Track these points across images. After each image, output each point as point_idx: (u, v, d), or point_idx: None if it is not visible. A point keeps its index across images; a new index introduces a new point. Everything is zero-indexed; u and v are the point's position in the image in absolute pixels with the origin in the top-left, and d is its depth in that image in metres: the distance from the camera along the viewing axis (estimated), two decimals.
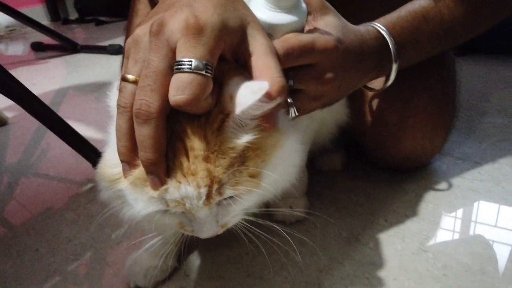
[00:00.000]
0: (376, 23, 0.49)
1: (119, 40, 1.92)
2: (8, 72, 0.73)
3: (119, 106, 0.35)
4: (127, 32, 0.73)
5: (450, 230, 0.60)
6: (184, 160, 0.34)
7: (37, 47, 2.01)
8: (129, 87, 0.34)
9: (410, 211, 0.64)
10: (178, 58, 0.32)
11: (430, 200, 0.66)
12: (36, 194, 0.80)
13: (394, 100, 0.65)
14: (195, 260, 0.58)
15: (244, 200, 0.38)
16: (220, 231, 0.40)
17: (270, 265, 0.55)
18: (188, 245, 0.60)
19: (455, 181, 0.70)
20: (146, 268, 0.53)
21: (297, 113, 0.43)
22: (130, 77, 0.34)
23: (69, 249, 0.63)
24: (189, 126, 0.34)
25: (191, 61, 0.32)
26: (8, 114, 1.17)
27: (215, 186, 0.35)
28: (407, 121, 0.64)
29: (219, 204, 0.37)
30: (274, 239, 0.60)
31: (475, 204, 0.64)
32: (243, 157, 0.36)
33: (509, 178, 0.69)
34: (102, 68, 1.66)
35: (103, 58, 1.80)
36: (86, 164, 0.81)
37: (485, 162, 0.74)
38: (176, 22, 0.33)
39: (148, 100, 0.32)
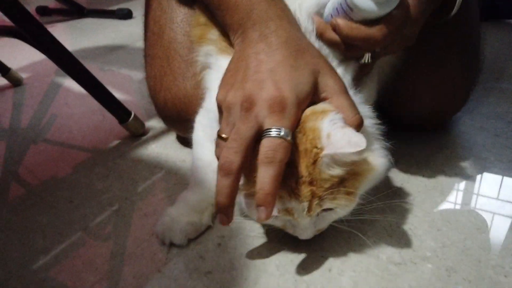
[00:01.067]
0: None
1: (128, 4, 1.87)
2: (40, 23, 0.71)
3: (217, 158, 0.44)
4: (147, 14, 0.72)
5: (484, 181, 0.60)
6: (292, 183, 0.42)
7: (42, 11, 1.95)
8: (223, 143, 0.43)
9: (447, 166, 0.64)
10: (267, 127, 0.41)
11: (466, 157, 0.66)
12: (62, 151, 0.80)
13: (417, 58, 0.63)
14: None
15: (339, 212, 0.45)
16: (316, 233, 0.48)
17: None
18: None
19: (490, 139, 0.70)
20: (183, 224, 0.52)
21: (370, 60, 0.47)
22: (224, 136, 0.43)
23: (104, 201, 0.63)
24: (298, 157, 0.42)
25: (279, 129, 0.40)
26: (22, 75, 1.14)
27: (315, 201, 0.42)
28: (429, 77, 0.63)
29: (318, 214, 0.44)
30: None
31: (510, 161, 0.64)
32: (342, 179, 0.42)
33: None
34: (111, 32, 1.62)
35: (111, 22, 1.76)
36: (111, 121, 0.80)
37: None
38: (263, 103, 0.41)
39: (231, 159, 0.41)
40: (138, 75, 1.15)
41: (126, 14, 1.73)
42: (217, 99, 0.46)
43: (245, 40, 0.46)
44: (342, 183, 0.42)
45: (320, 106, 0.44)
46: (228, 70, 0.47)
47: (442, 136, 0.72)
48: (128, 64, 1.25)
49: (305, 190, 0.41)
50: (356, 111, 0.43)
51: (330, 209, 0.44)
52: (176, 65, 0.67)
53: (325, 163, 0.41)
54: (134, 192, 0.65)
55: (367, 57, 0.48)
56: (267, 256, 0.50)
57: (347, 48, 0.48)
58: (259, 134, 0.41)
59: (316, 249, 0.50)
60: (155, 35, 0.69)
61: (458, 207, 0.55)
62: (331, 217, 0.46)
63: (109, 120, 0.82)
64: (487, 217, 0.53)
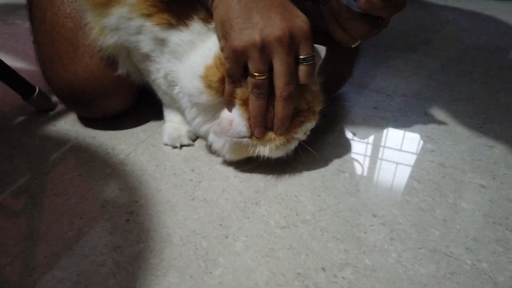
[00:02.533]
0: None
1: None
2: None
3: (259, 91, 0.53)
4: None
5: (363, 154, 0.71)
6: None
7: None
8: (264, 81, 0.52)
9: (331, 138, 0.73)
10: (303, 56, 0.52)
11: (348, 129, 0.76)
12: None
13: None
14: (142, 188, 0.63)
15: None
16: None
17: (213, 189, 0.62)
18: (135, 175, 0.64)
19: (370, 111, 0.81)
20: (185, 131, 0.71)
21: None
22: (263, 77, 0.52)
23: (11, 182, 0.64)
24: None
25: (311, 56, 0.52)
26: None
27: None
28: None
29: None
30: (214, 167, 0.67)
31: (384, 131, 0.76)
32: None
33: (413, 108, 0.81)
34: None
35: None
36: (15, 94, 0.78)
37: (396, 95, 0.86)
38: (299, 33, 0.50)
39: (294, 88, 0.53)
40: None
41: None
42: (236, 45, 0.50)
43: None
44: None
45: None
46: (230, 17, 0.50)
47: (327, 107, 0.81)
48: None
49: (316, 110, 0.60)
50: None
51: None
52: (63, 50, 0.66)
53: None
54: (43, 171, 0.66)
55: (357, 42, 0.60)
56: (172, 228, 0.56)
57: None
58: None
59: (216, 219, 0.57)
60: (37, 19, 0.68)
61: (336, 174, 0.65)
62: None
63: (12, 92, 0.79)
64: (359, 180, 0.64)
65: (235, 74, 0.53)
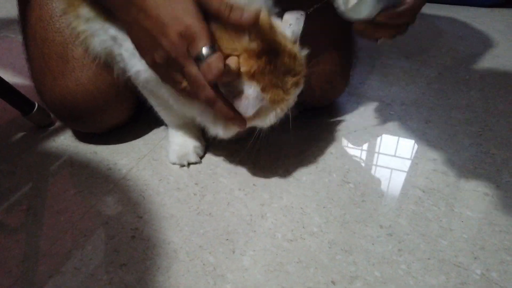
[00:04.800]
0: None
1: None
2: None
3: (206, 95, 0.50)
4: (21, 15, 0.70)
5: (366, 164, 0.71)
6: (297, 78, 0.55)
7: None
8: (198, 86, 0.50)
9: (333, 148, 0.73)
10: (196, 54, 0.46)
11: (349, 139, 0.76)
12: None
13: None
14: (146, 203, 0.62)
15: None
16: None
17: (217, 202, 0.62)
18: (138, 190, 0.64)
19: (370, 121, 0.81)
20: (191, 148, 0.70)
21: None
22: (184, 85, 0.51)
23: (13, 200, 0.63)
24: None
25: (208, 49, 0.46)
26: None
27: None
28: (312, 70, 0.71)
29: None
30: (218, 180, 0.66)
31: (386, 140, 0.76)
32: None
33: (413, 117, 0.82)
34: (6, 1, 1.48)
35: None
36: (13, 110, 0.77)
37: (395, 103, 0.86)
38: (185, 32, 0.46)
39: (205, 91, 0.49)
40: None
41: None
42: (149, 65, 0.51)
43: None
44: None
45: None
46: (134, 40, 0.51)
47: (330, 119, 0.81)
48: None
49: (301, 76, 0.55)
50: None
51: None
52: (54, 64, 0.66)
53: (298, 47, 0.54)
54: (44, 188, 0.65)
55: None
56: (178, 244, 0.55)
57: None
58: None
59: (222, 234, 0.56)
60: (28, 36, 0.68)
61: (341, 185, 0.65)
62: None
63: (11, 108, 0.78)
64: (365, 191, 0.64)
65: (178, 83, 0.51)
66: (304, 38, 0.56)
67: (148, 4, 0.46)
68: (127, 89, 0.68)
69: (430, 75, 0.97)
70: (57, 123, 0.80)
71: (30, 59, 0.69)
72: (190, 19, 0.46)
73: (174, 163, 0.70)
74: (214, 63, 0.45)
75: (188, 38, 0.46)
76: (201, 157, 0.71)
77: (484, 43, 1.14)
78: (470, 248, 0.54)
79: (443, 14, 1.35)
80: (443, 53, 1.08)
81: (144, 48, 0.50)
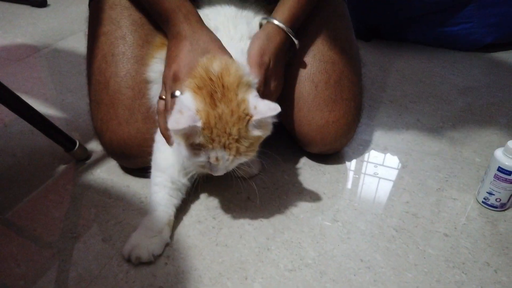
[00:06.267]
0: (275, 21, 0.76)
1: None
2: None
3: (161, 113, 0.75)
4: (91, 60, 0.87)
5: (352, 204, 0.86)
6: (226, 139, 0.62)
7: None
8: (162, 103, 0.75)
9: (326, 189, 0.89)
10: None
11: (340, 180, 0.92)
12: (8, 175, 0.89)
13: (319, 108, 0.87)
14: (174, 234, 0.77)
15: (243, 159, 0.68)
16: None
17: (232, 235, 0.77)
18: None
19: (358, 164, 0.97)
20: (147, 244, 0.70)
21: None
22: (163, 97, 0.74)
23: (64, 228, 0.77)
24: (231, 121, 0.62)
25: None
26: None
27: (237, 156, 0.64)
28: (327, 126, 0.88)
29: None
30: (232, 215, 0.81)
31: (368, 181, 0.92)
32: (254, 142, 0.66)
33: (393, 161, 0.98)
34: (28, 25, 1.60)
35: (24, 10, 1.71)
36: (52, 143, 0.90)
37: (378, 148, 1.02)
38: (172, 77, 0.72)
39: (157, 112, 0.78)
40: (69, 84, 1.23)
41: (41, 2, 1.69)
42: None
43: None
44: (254, 142, 0.66)
45: (245, 79, 0.65)
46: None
47: (323, 161, 0.97)
48: (55, 71, 1.30)
49: (234, 146, 0.62)
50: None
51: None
52: (121, 112, 0.81)
53: (252, 125, 0.63)
54: (88, 218, 0.79)
55: None
56: (202, 271, 0.70)
57: None
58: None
59: (236, 263, 0.72)
60: (100, 84, 0.82)
61: (331, 223, 0.81)
62: (237, 162, 0.68)
63: (52, 142, 0.91)
64: (350, 229, 0.80)
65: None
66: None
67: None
68: None
69: (409, 122, 1.13)
70: (93, 157, 0.94)
71: (97, 102, 0.83)
72: (185, 69, 0.68)
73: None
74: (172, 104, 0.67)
75: (175, 78, 0.69)
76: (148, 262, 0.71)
77: (460, 89, 1.31)
78: (429, 281, 0.70)
79: (426, 55, 1.52)
80: (422, 99, 1.24)
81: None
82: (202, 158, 0.65)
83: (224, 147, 0.63)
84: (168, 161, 0.76)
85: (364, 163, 0.97)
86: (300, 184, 0.90)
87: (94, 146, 0.97)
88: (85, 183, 0.88)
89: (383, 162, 0.97)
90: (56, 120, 0.91)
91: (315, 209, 0.84)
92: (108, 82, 0.81)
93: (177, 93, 0.67)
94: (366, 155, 1.00)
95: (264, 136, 0.67)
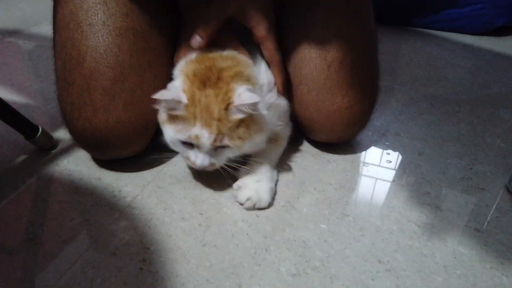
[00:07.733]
0: None
1: None
2: None
3: None
4: (58, 29, 0.71)
5: (364, 196, 0.74)
6: (207, 117, 0.61)
7: None
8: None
9: (333, 179, 0.76)
10: None
11: (347, 170, 0.79)
12: None
13: (330, 92, 0.74)
14: (152, 233, 0.63)
15: (229, 152, 0.65)
16: (209, 168, 0.65)
17: (222, 234, 0.64)
18: (144, 220, 0.65)
19: (367, 151, 0.84)
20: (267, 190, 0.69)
21: None
22: None
23: (18, 228, 0.63)
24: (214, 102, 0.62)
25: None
26: None
27: (219, 137, 0.61)
28: (339, 112, 0.75)
29: (216, 149, 0.63)
30: (222, 210, 0.68)
31: (381, 172, 0.79)
32: (238, 126, 0.62)
33: (407, 148, 0.85)
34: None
35: None
36: (14, 131, 0.76)
37: (389, 133, 0.90)
38: None
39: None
40: (39, 70, 1.10)
41: None
42: None
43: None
44: (237, 129, 0.62)
45: (246, 72, 0.66)
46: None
47: (327, 149, 0.84)
48: (25, 56, 1.17)
49: (214, 124, 0.60)
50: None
51: (224, 147, 0.64)
52: (98, 97, 0.67)
53: (232, 110, 0.61)
54: (49, 216, 0.66)
55: None
56: (185, 278, 0.57)
57: None
58: None
59: (228, 267, 0.58)
60: (73, 59, 0.68)
61: (340, 218, 0.68)
62: (223, 154, 0.65)
63: (12, 130, 0.78)
64: (363, 225, 0.67)
65: None
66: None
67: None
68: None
69: (422, 106, 1.01)
70: (59, 146, 0.81)
71: (68, 83, 0.68)
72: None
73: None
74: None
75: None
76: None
77: (473, 72, 1.19)
78: (463, 285, 0.57)
79: (433, 40, 1.40)
80: (433, 82, 1.13)
81: None
82: (183, 136, 0.62)
83: (205, 125, 0.61)
84: None
85: (374, 150, 0.85)
86: (302, 174, 0.77)
87: (62, 134, 0.83)
88: (48, 175, 0.74)
89: (396, 149, 0.85)
90: (20, 106, 0.78)
91: (320, 202, 0.71)
92: (83, 58, 0.67)
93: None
94: (376, 141, 0.87)
95: (262, 132, 0.66)
